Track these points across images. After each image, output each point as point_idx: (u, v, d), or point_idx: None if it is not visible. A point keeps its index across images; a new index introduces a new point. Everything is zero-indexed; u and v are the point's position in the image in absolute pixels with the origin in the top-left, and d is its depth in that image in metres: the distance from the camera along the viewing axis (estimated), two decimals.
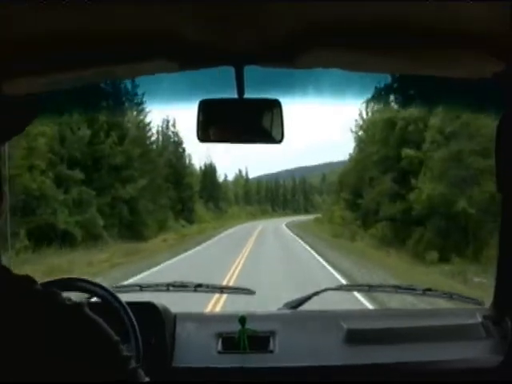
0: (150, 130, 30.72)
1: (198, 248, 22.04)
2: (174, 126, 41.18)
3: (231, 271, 12.78)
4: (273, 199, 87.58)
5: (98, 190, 22.49)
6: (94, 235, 21.06)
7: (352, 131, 28.47)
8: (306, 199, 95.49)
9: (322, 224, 40.99)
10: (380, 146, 23.51)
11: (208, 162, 58.32)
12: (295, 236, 30.52)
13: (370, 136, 26.53)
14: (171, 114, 39.30)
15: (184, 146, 42.09)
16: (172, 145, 41.04)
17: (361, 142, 28.36)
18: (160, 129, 40.11)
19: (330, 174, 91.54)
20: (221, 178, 68.21)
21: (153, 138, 33.02)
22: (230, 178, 79.59)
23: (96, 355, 0.78)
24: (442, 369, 1.65)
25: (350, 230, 26.93)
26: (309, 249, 21.13)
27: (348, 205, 31.04)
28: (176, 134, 41.51)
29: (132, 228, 25.51)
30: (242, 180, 79.28)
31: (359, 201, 27.18)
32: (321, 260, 16.24)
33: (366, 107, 26.76)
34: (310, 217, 59.68)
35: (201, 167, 55.57)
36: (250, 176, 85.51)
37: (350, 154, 31.97)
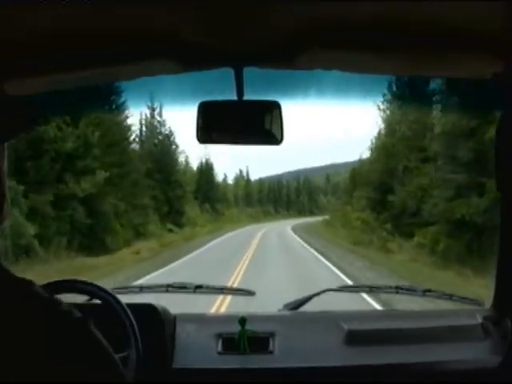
0: (123, 112, 23.75)
1: (175, 265, 17.26)
2: (160, 114, 36.99)
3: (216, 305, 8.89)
4: (275, 200, 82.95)
5: (34, 184, 15.57)
6: (22, 248, 13.84)
7: (379, 108, 21.86)
8: (310, 200, 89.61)
9: (334, 228, 37.35)
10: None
11: (205, 160, 55.66)
12: (306, 244, 26.15)
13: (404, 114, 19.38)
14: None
15: (176, 139, 39.33)
16: (157, 136, 37.06)
17: (389, 124, 21.29)
18: (144, 116, 35.99)
19: (334, 174, 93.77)
20: (220, 178, 65.46)
21: (129, 123, 29.25)
22: (231, 178, 77.26)
23: (92, 360, 0.84)
24: (441, 369, 1.77)
25: (378, 237, 19.87)
26: (331, 267, 15.57)
27: (369, 204, 24.30)
28: (162, 123, 37.40)
29: (91, 236, 18.91)
30: (242, 180, 73.29)
31: (390, 198, 19.96)
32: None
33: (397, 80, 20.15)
34: (317, 219, 58.58)
35: (198, 166, 54.27)
36: (252, 179, 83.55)
37: (375, 136, 28.10)
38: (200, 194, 48.88)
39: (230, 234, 37.05)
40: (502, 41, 1.24)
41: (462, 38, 1.20)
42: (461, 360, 1.77)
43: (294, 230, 42.01)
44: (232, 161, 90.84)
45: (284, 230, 42.61)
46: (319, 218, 57.05)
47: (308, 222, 56.39)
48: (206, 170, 55.55)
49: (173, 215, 34.58)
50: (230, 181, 73.73)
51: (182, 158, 41.43)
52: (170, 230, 32.52)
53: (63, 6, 1.01)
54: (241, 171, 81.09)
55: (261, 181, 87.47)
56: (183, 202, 37.38)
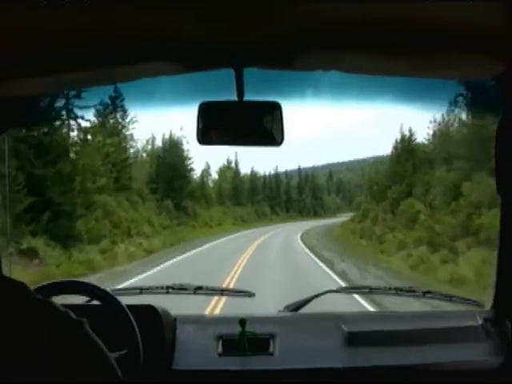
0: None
1: None
2: None
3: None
4: (273, 198, 63.88)
5: None
6: None
7: None
8: (315, 199, 72.12)
9: (384, 242, 21.91)
10: None
11: (168, 136, 35.97)
12: None
13: None
14: None
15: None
16: None
17: None
18: None
19: (335, 172, 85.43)
20: (198, 166, 52.10)
21: None
22: (214, 168, 61.10)
23: (87, 361, 0.84)
24: (442, 371, 1.76)
25: None
26: None
27: None
28: None
29: None
30: (229, 171, 54.46)
31: None
32: None
33: None
34: (328, 222, 43.61)
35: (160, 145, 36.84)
36: (242, 172, 65.38)
37: None
38: (161, 185, 31.54)
39: (186, 256, 18.87)
40: (502, 41, 1.24)
41: (462, 38, 1.21)
42: (461, 361, 1.76)
43: (309, 245, 22.90)
44: (217, 148, 74.11)
45: (292, 247, 22.98)
46: (331, 221, 42.80)
47: (322, 226, 38.28)
48: (170, 148, 36.81)
49: (56, 218, 17.04)
50: (214, 172, 56.41)
51: (134, 130, 28.29)
52: (29, 252, 14.92)
53: (63, 6, 1.01)
54: (229, 161, 63.09)
55: (253, 174, 69.53)
56: (91, 191, 19.45)
